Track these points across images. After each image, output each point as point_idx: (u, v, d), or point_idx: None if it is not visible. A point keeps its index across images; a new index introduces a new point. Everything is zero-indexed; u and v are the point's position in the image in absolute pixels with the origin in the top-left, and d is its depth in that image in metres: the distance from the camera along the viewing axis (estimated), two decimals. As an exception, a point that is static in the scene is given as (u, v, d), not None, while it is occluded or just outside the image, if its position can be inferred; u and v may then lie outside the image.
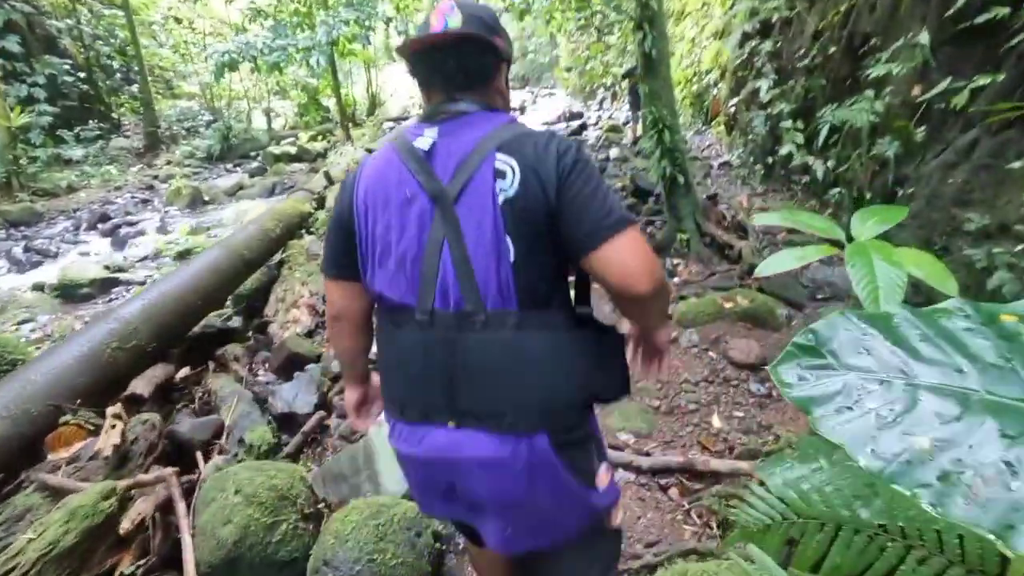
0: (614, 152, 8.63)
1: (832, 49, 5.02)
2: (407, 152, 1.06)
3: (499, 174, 0.98)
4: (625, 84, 11.91)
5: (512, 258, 0.98)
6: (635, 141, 8.97)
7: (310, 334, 4.12)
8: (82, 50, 14.43)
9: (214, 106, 15.56)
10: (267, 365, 3.74)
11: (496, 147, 1.00)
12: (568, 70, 12.65)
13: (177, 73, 17.40)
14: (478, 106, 1.09)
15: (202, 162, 13.73)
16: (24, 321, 6.55)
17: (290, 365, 3.59)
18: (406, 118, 14.92)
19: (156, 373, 2.92)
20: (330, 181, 6.19)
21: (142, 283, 6.34)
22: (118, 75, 15.67)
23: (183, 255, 6.15)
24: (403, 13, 12.64)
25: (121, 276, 6.29)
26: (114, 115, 14.99)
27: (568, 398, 1.08)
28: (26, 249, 8.59)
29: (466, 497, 1.11)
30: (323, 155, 12.33)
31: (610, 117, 13.39)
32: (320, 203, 5.82)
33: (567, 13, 8.48)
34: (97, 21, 15.20)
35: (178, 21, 15.87)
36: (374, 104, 15.74)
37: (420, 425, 1.09)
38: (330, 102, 13.91)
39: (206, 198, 10.74)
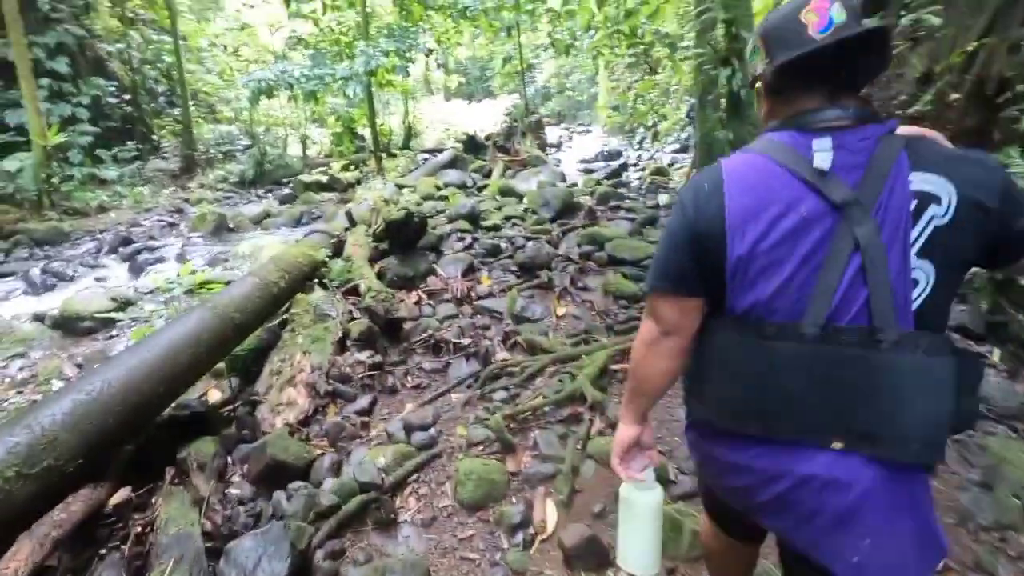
0: (663, 199, 7.66)
1: (954, 96, 4.03)
2: (796, 162, 1.00)
3: (931, 198, 0.93)
4: (668, 123, 11.06)
5: (932, 281, 0.95)
6: (686, 187, 7.99)
7: (305, 422, 3.21)
8: (129, 73, 14.16)
9: (252, 131, 15.09)
10: (245, 468, 2.82)
11: (913, 162, 0.96)
12: (615, 108, 11.83)
13: (221, 98, 17.10)
14: (862, 111, 1.02)
15: (234, 187, 13.17)
16: (17, 356, 5.82)
17: (272, 475, 2.66)
18: (441, 150, 14.20)
19: (73, 509, 2.01)
20: (352, 222, 5.33)
21: (147, 320, 5.58)
22: (162, 98, 15.37)
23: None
24: (444, 45, 12.00)
25: (117, 316, 5.49)
26: (155, 137, 14.61)
27: (948, 427, 0.99)
28: (43, 271, 7.98)
29: (818, 518, 1.01)
30: (354, 185, 11.63)
31: (651, 158, 12.48)
32: (337, 250, 4.95)
33: (617, 49, 7.68)
34: (146, 46, 14.97)
35: (224, 48, 15.56)
36: (410, 135, 15.09)
37: (790, 445, 1.02)
38: (366, 131, 13.25)
39: (231, 225, 10.06)
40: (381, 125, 13.79)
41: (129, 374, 2.57)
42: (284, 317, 3.92)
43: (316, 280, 4.50)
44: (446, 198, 7.25)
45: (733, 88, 3.61)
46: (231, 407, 3.37)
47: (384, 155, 13.94)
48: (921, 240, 0.94)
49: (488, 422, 2.83)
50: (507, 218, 6.57)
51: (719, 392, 1.12)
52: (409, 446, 2.85)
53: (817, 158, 0.99)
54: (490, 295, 4.67)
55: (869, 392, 0.95)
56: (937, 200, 0.93)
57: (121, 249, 8.98)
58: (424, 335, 3.98)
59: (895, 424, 0.96)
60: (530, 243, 5.93)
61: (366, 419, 3.28)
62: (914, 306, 0.95)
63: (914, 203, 0.94)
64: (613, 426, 2.88)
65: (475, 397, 3.27)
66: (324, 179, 11.80)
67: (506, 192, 7.59)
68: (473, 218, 6.16)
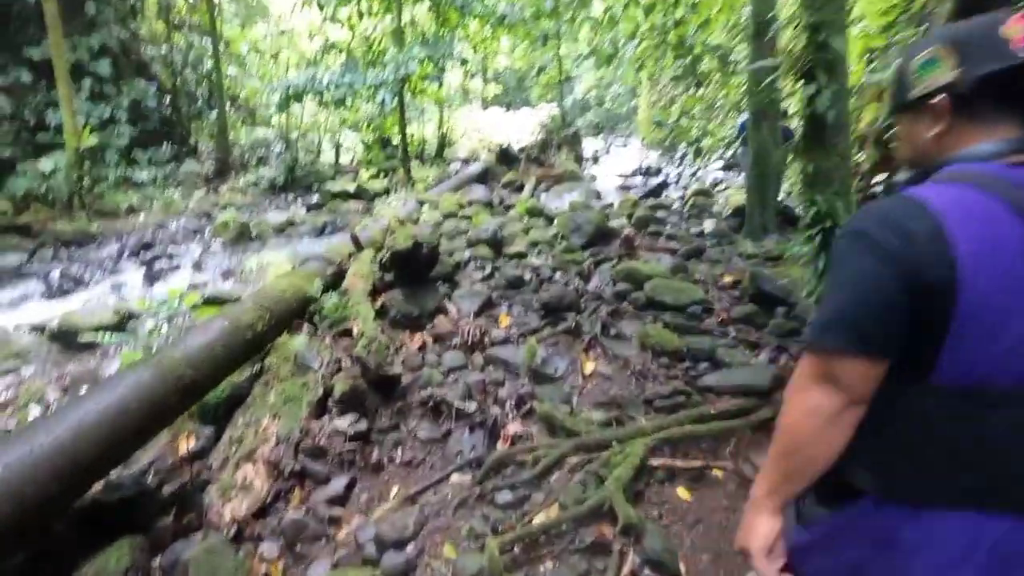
0: (708, 225, 6.78)
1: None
2: (1018, 198, 0.88)
3: None
4: (712, 140, 10.14)
5: None
6: (737, 211, 7.10)
7: (261, 512, 2.51)
8: (171, 76, 13.99)
9: (288, 136, 14.75)
10: (170, 585, 2.14)
11: None
12: (658, 123, 10.96)
13: (261, 103, 16.87)
14: None
15: (265, 192, 12.78)
16: (7, 372, 5.36)
17: (194, 606, 1.98)
18: (475, 159, 13.57)
19: None
20: (358, 246, 4.66)
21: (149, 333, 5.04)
22: (200, 101, 15.17)
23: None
24: (481, 53, 11.35)
25: (104, 339, 4.97)
26: (191, 140, 14.40)
27: None
28: (61, 275, 7.63)
29: None
30: (383, 194, 11.08)
31: (693, 176, 11.56)
32: (336, 280, 4.26)
33: (662, 60, 6.88)
34: (188, 48, 14.80)
35: (259, 52, 15.28)
36: (443, 144, 14.48)
37: (1002, 516, 0.91)
38: (402, 140, 12.71)
39: (253, 233, 9.60)
40: (411, 135, 13.22)
41: (23, 465, 1.92)
42: (261, 366, 3.25)
43: (307, 317, 3.84)
44: (469, 217, 6.55)
45: (817, 108, 2.78)
46: (189, 475, 2.71)
47: (417, 163, 13.39)
48: None
49: (485, 547, 2.08)
50: (533, 244, 5.82)
51: (919, 467, 0.95)
52: (376, 571, 2.11)
53: None
54: (507, 340, 3.93)
55: None
56: None
57: (142, 253, 8.62)
58: (423, 393, 3.25)
59: None
60: (557, 274, 5.18)
61: (339, 510, 2.57)
62: None
63: None
64: (652, 564, 2.09)
65: (474, 495, 2.52)
66: (352, 188, 11.27)
67: (535, 213, 6.83)
68: (496, 244, 5.43)
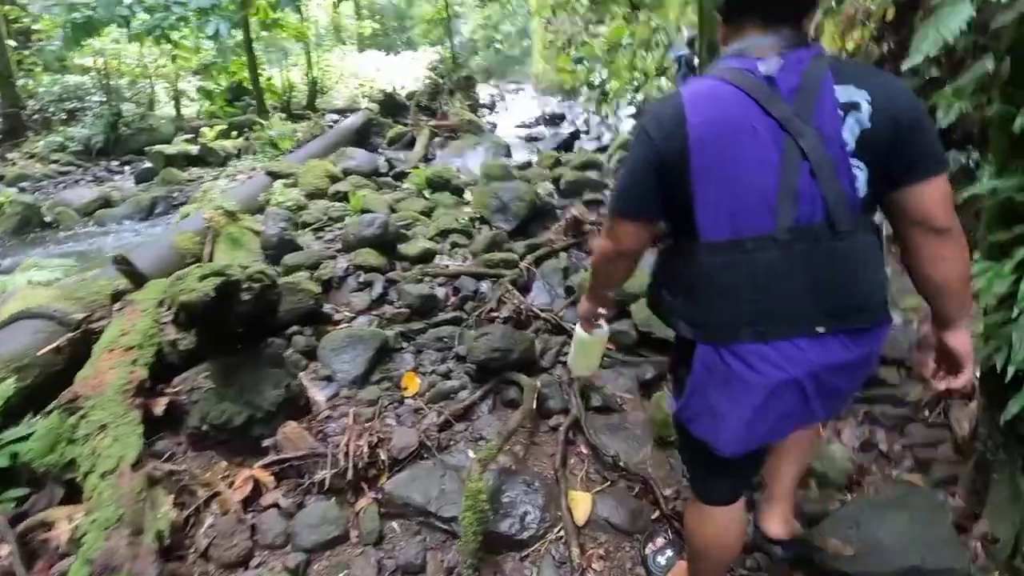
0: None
1: None
2: (744, 82, 1.01)
3: (851, 105, 0.98)
4: (618, 83, 8.46)
5: (866, 174, 1.00)
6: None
7: None
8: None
9: (109, 84, 11.00)
10: None
11: (836, 77, 1.00)
12: (578, 62, 8.97)
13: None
14: (798, 38, 1.05)
15: (78, 157, 9.34)
16: None
17: None
18: (355, 109, 10.89)
19: None
20: (135, 279, 2.39)
21: None
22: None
23: None
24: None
25: None
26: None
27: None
28: None
29: (824, 395, 1.08)
30: (238, 155, 8.26)
31: (603, 123, 9.87)
32: (75, 357, 2.04)
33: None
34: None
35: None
36: (314, 92, 11.49)
37: (785, 342, 1.03)
38: (255, 86, 9.66)
39: (47, 218, 6.60)
40: (269, 79, 10.19)
41: None
42: None
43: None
44: (345, 197, 4.33)
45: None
46: None
47: (281, 116, 10.43)
48: (851, 142, 0.98)
49: None
50: (443, 234, 3.82)
51: (709, 311, 1.08)
52: None
53: (763, 74, 1.01)
54: (420, 451, 2.05)
55: (838, 276, 1.01)
56: (858, 107, 0.98)
57: None
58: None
59: (860, 296, 1.03)
60: (484, 285, 3.28)
61: None
62: (860, 194, 1.00)
63: (841, 112, 0.98)
64: None
65: None
66: (194, 149, 8.31)
67: (439, 185, 4.72)
68: (387, 244, 3.36)
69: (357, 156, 5.45)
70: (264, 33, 10.27)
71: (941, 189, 1.00)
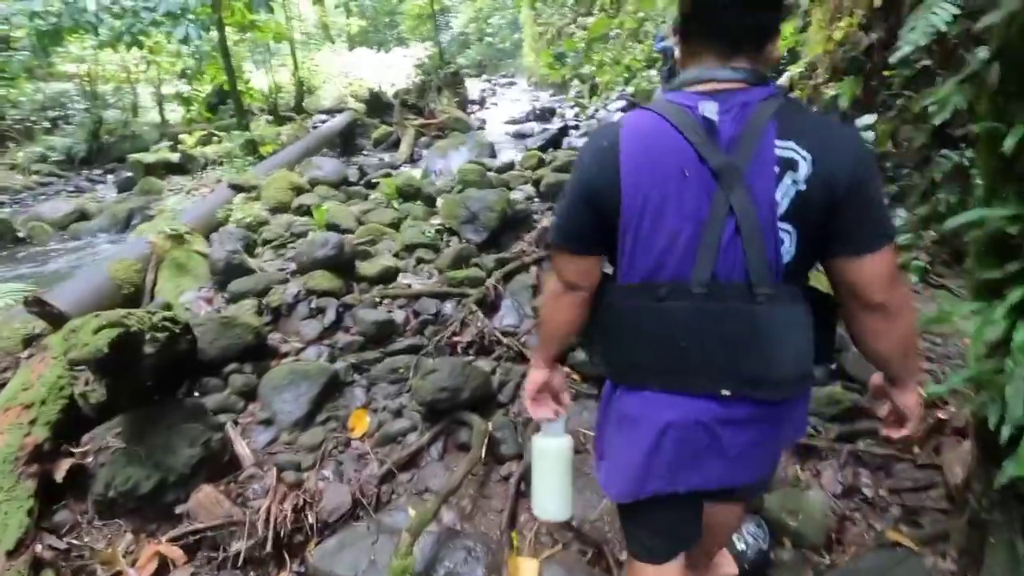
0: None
1: None
2: (683, 122, 0.93)
3: (789, 163, 0.89)
4: (609, 75, 8.18)
5: (795, 239, 0.92)
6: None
7: None
8: None
9: (93, 91, 10.80)
10: None
11: (779, 130, 0.90)
12: (559, 58, 8.67)
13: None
14: (753, 75, 0.95)
15: (60, 167, 9.17)
16: None
17: None
18: (343, 109, 10.65)
19: None
20: (53, 318, 2.21)
21: None
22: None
23: None
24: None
25: None
26: (-55, 100, 10.06)
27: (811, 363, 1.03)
28: None
29: (723, 452, 1.00)
30: (222, 163, 8.04)
31: (592, 117, 9.59)
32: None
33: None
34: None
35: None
36: (301, 93, 11.24)
37: (686, 395, 0.98)
38: (232, 90, 9.42)
39: (20, 233, 6.43)
40: (248, 82, 9.95)
41: None
42: None
43: None
44: (309, 211, 4.12)
45: None
46: None
47: (267, 119, 10.20)
48: (784, 204, 0.90)
49: None
50: (408, 249, 3.61)
51: (621, 354, 1.05)
52: None
53: (703, 114, 0.92)
54: (354, 511, 1.85)
55: (750, 342, 0.95)
56: (795, 167, 0.89)
57: None
58: None
59: (772, 367, 0.96)
60: (448, 305, 3.07)
61: None
62: (784, 260, 0.93)
63: (777, 169, 0.90)
64: None
65: None
66: (175, 157, 8.12)
67: (409, 194, 4.48)
68: (343, 265, 3.15)
69: (324, 166, 5.22)
70: (244, 36, 10.02)
71: (880, 264, 0.91)
